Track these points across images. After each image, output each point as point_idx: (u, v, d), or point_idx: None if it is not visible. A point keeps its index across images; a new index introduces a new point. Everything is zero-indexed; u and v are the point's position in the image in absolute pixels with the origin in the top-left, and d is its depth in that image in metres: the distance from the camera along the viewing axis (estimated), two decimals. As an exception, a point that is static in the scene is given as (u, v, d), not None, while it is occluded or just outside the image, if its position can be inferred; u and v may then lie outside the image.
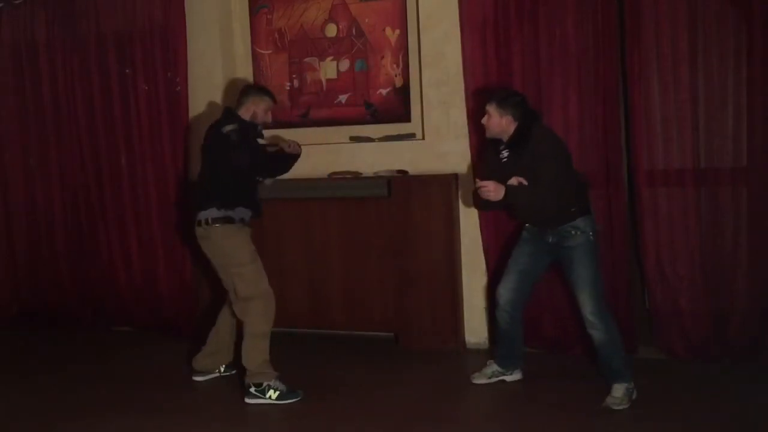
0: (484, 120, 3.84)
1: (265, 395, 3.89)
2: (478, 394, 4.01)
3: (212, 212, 3.95)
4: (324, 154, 4.98)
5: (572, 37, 4.27)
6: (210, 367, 4.32)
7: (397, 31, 4.91)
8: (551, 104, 4.33)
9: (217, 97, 5.17)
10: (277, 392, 3.89)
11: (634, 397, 3.67)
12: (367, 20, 4.98)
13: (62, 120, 5.53)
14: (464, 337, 4.70)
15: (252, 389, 3.91)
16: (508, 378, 4.07)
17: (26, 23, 5.57)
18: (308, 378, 4.21)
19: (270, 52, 5.25)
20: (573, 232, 3.70)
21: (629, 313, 4.32)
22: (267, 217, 4.95)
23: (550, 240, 3.78)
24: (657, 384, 3.95)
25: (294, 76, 5.20)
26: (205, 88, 5.18)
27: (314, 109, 5.15)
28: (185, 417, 3.81)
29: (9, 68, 5.66)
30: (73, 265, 5.62)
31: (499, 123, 3.76)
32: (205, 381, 4.30)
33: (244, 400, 3.92)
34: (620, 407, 3.61)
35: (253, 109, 4.10)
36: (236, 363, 4.24)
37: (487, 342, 4.67)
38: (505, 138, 3.79)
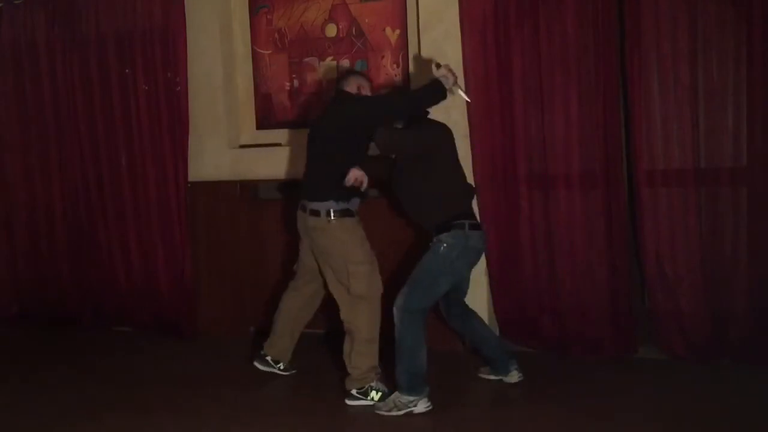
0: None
1: (367, 397, 3.80)
2: (478, 395, 4.01)
3: (331, 204, 3.83)
4: (324, 154, 4.96)
5: (572, 37, 4.27)
6: (277, 356, 4.24)
7: (397, 31, 4.91)
8: (551, 104, 4.33)
9: (217, 97, 5.17)
10: (380, 393, 3.80)
11: (416, 411, 3.63)
12: (367, 20, 4.98)
13: (62, 120, 5.53)
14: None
15: (354, 391, 3.81)
16: (507, 380, 4.04)
17: (26, 23, 5.57)
18: (308, 378, 4.21)
19: (270, 52, 5.25)
20: (434, 239, 3.77)
21: (629, 313, 4.32)
22: (267, 217, 4.97)
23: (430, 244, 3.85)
24: (657, 384, 3.95)
25: (294, 76, 5.20)
26: (205, 88, 5.18)
27: (314, 109, 5.14)
28: (185, 417, 3.80)
29: (9, 68, 5.66)
30: (73, 265, 5.62)
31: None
32: (265, 371, 4.25)
33: (345, 401, 3.84)
34: (381, 412, 3.65)
35: (357, 87, 4.00)
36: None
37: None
38: None
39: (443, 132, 3.92)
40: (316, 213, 3.86)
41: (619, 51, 4.22)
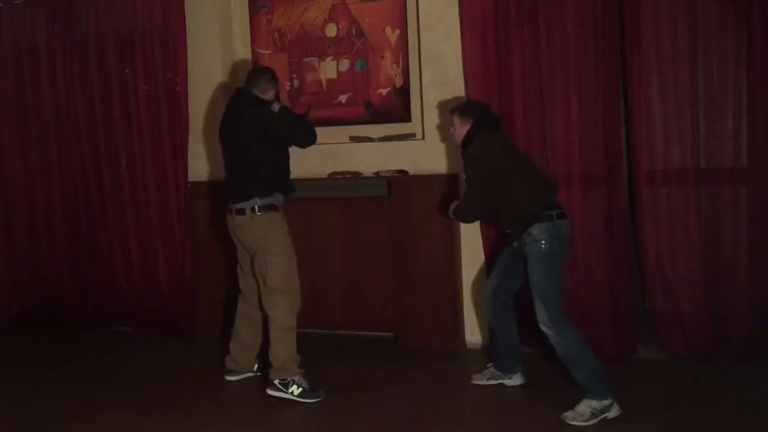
0: (451, 130, 3.98)
1: (287, 390, 3.88)
2: (478, 395, 4.01)
3: (256, 201, 3.95)
4: (324, 154, 4.98)
5: (572, 37, 4.27)
6: (240, 368, 4.28)
7: (397, 31, 4.91)
8: (551, 104, 4.33)
9: (218, 97, 5.17)
10: (300, 389, 3.88)
11: (609, 416, 3.48)
12: (367, 20, 4.98)
13: (62, 120, 5.54)
14: (464, 337, 4.70)
15: (276, 382, 3.91)
16: (508, 383, 4.02)
17: (26, 23, 5.58)
18: (308, 378, 4.21)
19: (270, 52, 5.25)
20: (526, 240, 3.65)
21: (629, 313, 4.32)
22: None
23: (514, 245, 3.78)
24: (657, 384, 3.95)
25: (294, 76, 5.20)
26: (205, 88, 5.18)
27: (314, 109, 5.14)
28: (185, 417, 3.81)
29: (9, 68, 5.66)
30: (73, 265, 5.62)
31: (461, 132, 3.89)
32: (237, 380, 4.28)
33: (266, 390, 3.92)
34: (575, 423, 3.46)
35: (274, 93, 4.10)
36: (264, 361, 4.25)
37: (487, 342, 4.66)
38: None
39: (490, 152, 3.77)
40: (241, 211, 3.98)
41: (619, 51, 4.22)
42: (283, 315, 3.96)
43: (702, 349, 4.18)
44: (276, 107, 4.01)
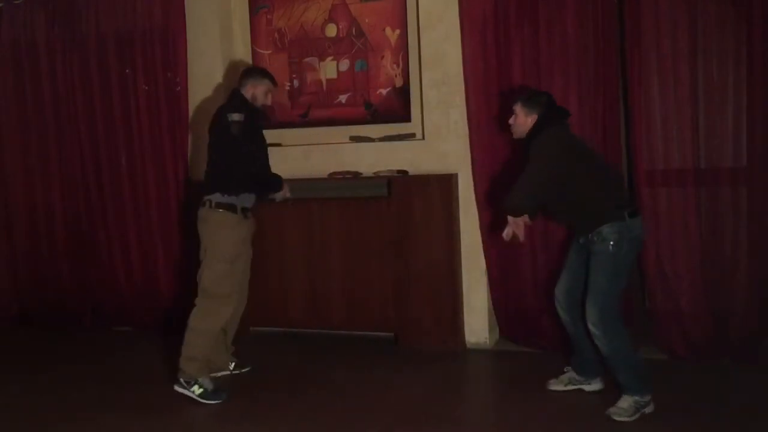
0: (511, 120, 3.76)
1: (189, 388, 3.93)
2: (478, 395, 4.01)
3: (216, 197, 3.96)
4: (324, 154, 4.98)
5: (572, 37, 4.27)
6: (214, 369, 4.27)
7: (397, 31, 4.91)
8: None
9: (217, 97, 5.16)
10: (201, 389, 3.92)
11: (647, 411, 3.50)
12: (367, 20, 4.98)
13: (62, 120, 5.54)
14: (464, 337, 4.69)
15: (181, 379, 3.96)
16: (587, 388, 3.87)
17: (26, 23, 5.58)
18: (308, 378, 4.21)
19: (270, 52, 5.25)
20: (595, 239, 3.55)
21: (629, 313, 4.31)
22: (267, 217, 4.96)
23: (581, 241, 3.69)
24: (657, 384, 3.94)
25: (294, 76, 5.20)
26: (205, 88, 5.18)
27: (314, 109, 5.15)
28: (184, 417, 3.81)
29: (9, 68, 5.67)
30: (73, 265, 5.63)
31: (525, 122, 3.68)
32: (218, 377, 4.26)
33: (174, 386, 3.98)
34: (621, 418, 3.46)
35: (252, 91, 4.05)
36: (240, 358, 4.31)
37: (487, 342, 4.67)
38: (522, 135, 3.73)
39: (562, 149, 3.58)
40: (203, 203, 4.01)
41: (619, 51, 4.22)
42: (196, 317, 3.98)
43: (702, 349, 4.18)
44: (234, 117, 3.89)
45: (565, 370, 3.97)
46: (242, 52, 5.30)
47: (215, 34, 5.15)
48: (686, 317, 4.21)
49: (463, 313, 4.70)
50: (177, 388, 3.98)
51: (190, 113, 5.14)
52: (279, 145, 5.12)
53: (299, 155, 5.00)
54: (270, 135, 5.19)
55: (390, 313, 4.77)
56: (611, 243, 3.49)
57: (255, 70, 4.24)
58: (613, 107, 4.24)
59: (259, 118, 4.15)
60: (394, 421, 3.62)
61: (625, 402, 3.51)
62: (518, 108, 3.70)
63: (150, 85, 5.24)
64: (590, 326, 3.58)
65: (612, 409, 3.52)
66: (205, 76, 5.17)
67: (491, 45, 4.44)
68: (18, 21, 5.60)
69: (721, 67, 4.04)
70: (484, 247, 4.59)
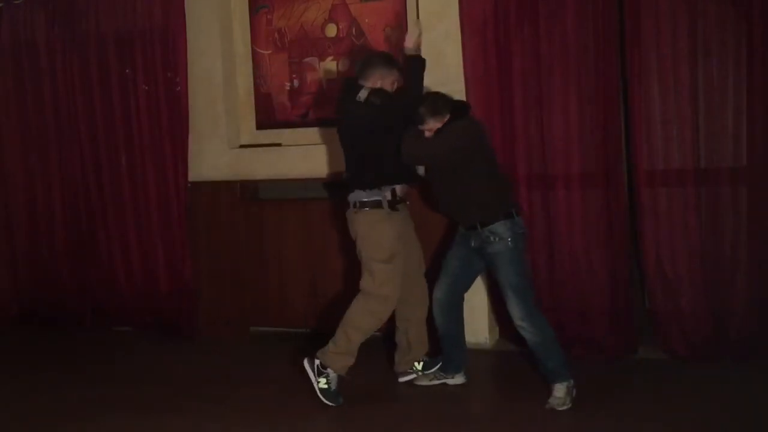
0: (427, 134, 3.75)
1: (318, 377, 3.80)
2: (478, 395, 4.01)
3: (358, 194, 3.79)
4: (324, 154, 4.97)
5: (572, 37, 4.26)
6: (406, 367, 4.14)
7: (397, 31, 4.91)
8: (551, 104, 4.33)
9: (218, 97, 5.17)
10: (326, 385, 3.79)
11: (574, 395, 3.65)
12: (367, 20, 4.98)
13: (62, 120, 5.54)
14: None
15: (317, 362, 3.80)
16: (450, 382, 4.05)
17: (26, 23, 5.58)
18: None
19: (270, 52, 5.25)
20: (492, 238, 3.66)
21: (629, 313, 4.32)
22: (267, 218, 4.98)
23: (473, 244, 3.77)
24: (657, 384, 3.95)
25: (294, 76, 5.20)
26: (205, 88, 5.18)
27: (314, 109, 5.15)
28: (185, 417, 3.81)
29: (9, 68, 5.67)
30: (73, 265, 5.63)
31: (442, 126, 3.74)
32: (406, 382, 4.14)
33: (304, 360, 3.86)
34: (564, 407, 3.61)
35: (380, 83, 3.77)
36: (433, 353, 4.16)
37: (487, 341, 4.67)
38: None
39: (471, 131, 3.75)
40: (352, 204, 3.85)
41: (619, 51, 4.22)
42: (361, 315, 3.84)
43: (702, 349, 4.18)
44: (363, 95, 3.65)
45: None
46: (242, 52, 5.30)
47: (215, 34, 5.15)
48: (686, 317, 4.20)
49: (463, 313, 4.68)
50: (307, 365, 3.81)
51: (190, 113, 5.14)
52: (279, 145, 5.13)
53: (299, 155, 4.99)
54: (270, 135, 5.24)
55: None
56: (509, 239, 3.65)
57: (380, 60, 3.88)
58: (613, 107, 4.23)
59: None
60: (394, 421, 3.63)
61: (560, 390, 3.65)
62: (430, 122, 3.71)
63: (150, 85, 5.23)
64: (517, 321, 3.69)
65: (552, 401, 3.64)
66: (205, 76, 5.17)
67: (491, 45, 4.44)
68: (18, 21, 5.59)
69: (721, 67, 4.04)
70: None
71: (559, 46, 4.29)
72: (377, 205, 3.79)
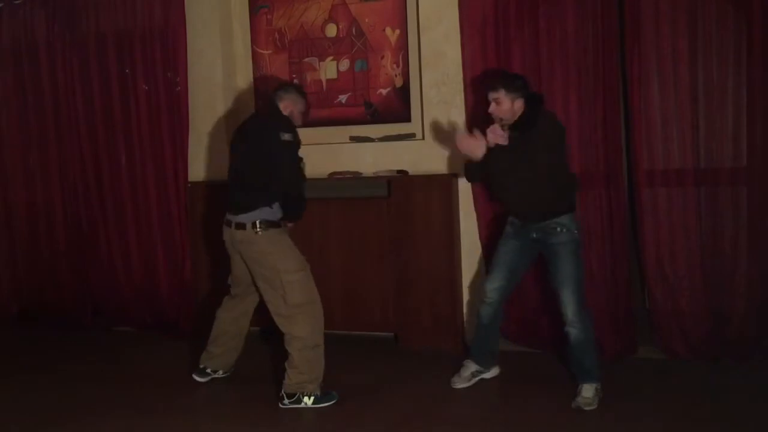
0: (491, 109, 3.73)
1: (300, 404, 3.79)
2: (478, 395, 4.00)
3: (256, 214, 3.78)
4: (324, 154, 4.98)
5: (572, 38, 4.27)
6: (216, 367, 4.25)
7: (397, 31, 4.91)
8: (551, 104, 4.30)
9: (217, 97, 5.17)
10: (312, 398, 3.79)
11: (601, 397, 3.67)
12: (367, 20, 4.98)
13: (62, 120, 5.54)
14: (464, 337, 4.69)
15: (286, 401, 3.79)
16: (488, 375, 4.07)
17: (26, 23, 5.58)
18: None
19: (270, 52, 5.25)
20: (558, 229, 3.67)
21: (629, 313, 4.32)
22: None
23: (534, 236, 3.76)
24: (657, 384, 3.95)
25: (294, 76, 5.20)
26: (205, 88, 5.18)
27: (314, 109, 5.15)
28: (185, 417, 3.81)
29: (9, 68, 5.67)
30: (73, 265, 5.62)
31: (511, 108, 3.69)
32: (204, 382, 4.26)
33: (279, 404, 3.82)
34: (590, 408, 3.61)
35: (291, 109, 3.92)
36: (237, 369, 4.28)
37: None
38: (511, 121, 3.72)
39: (562, 130, 3.74)
40: (241, 226, 3.81)
41: (619, 51, 4.22)
42: (310, 331, 3.83)
43: (702, 349, 4.18)
44: (286, 137, 3.76)
45: (464, 364, 4.06)
46: (242, 52, 5.30)
47: (215, 34, 5.15)
48: (686, 317, 4.21)
49: (463, 313, 4.70)
50: (286, 404, 3.78)
51: (190, 113, 5.14)
52: (279, 145, 5.12)
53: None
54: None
55: (390, 313, 4.77)
56: (575, 230, 3.68)
57: (293, 87, 4.08)
58: (613, 107, 4.23)
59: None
60: (394, 422, 3.62)
61: (589, 391, 3.66)
62: (502, 95, 3.67)
63: (150, 85, 5.23)
64: (570, 315, 3.69)
65: (579, 401, 3.64)
66: (205, 76, 5.17)
67: (491, 45, 4.44)
68: (18, 21, 5.59)
69: (721, 67, 4.05)
70: (483, 247, 4.59)
71: (559, 46, 4.30)
72: (278, 224, 3.86)
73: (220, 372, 4.29)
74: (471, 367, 4.06)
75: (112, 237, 5.48)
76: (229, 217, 3.91)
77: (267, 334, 4.78)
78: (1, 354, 5.11)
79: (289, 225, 4.02)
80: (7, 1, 5.59)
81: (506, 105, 3.69)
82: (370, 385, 4.14)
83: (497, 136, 3.65)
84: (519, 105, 3.69)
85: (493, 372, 4.11)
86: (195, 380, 4.23)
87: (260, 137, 3.81)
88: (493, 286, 3.94)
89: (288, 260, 3.83)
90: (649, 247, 4.23)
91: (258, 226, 3.79)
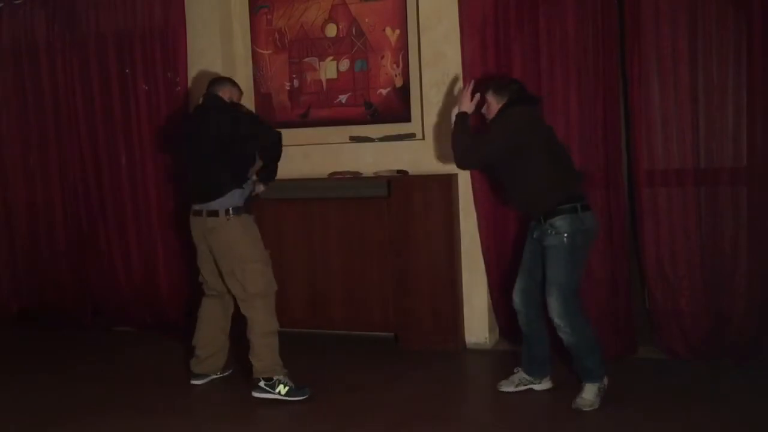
0: (483, 109, 3.81)
1: (274, 390, 3.87)
2: (478, 395, 4.01)
3: (227, 200, 3.91)
4: (324, 154, 4.98)
5: (572, 38, 4.27)
6: (208, 371, 4.28)
7: (397, 31, 4.91)
8: (551, 104, 4.32)
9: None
10: (287, 388, 3.87)
11: (603, 396, 3.63)
12: (367, 20, 4.98)
13: (62, 120, 5.54)
14: (464, 337, 4.70)
15: (262, 383, 3.89)
16: (537, 387, 3.90)
17: (26, 23, 5.58)
18: (308, 378, 4.20)
19: (270, 52, 5.25)
20: (549, 231, 3.61)
21: (629, 313, 4.32)
22: (267, 217, 4.95)
23: (534, 236, 3.75)
24: (657, 384, 3.95)
25: (294, 76, 5.20)
26: (204, 88, 5.15)
27: (314, 109, 5.15)
28: (185, 417, 3.81)
29: (9, 68, 5.67)
30: (73, 265, 5.63)
31: (497, 110, 3.76)
32: (204, 383, 4.26)
33: (252, 393, 3.90)
34: (590, 409, 3.57)
35: (230, 95, 4.12)
36: (233, 363, 4.28)
37: (487, 341, 4.67)
38: None
39: (521, 121, 3.67)
40: (211, 213, 3.93)
41: (619, 51, 4.22)
42: (268, 318, 3.98)
43: (702, 349, 4.18)
44: (234, 112, 4.04)
45: (515, 370, 3.98)
46: (242, 52, 5.29)
47: (215, 34, 5.15)
48: (686, 317, 4.20)
49: (463, 313, 4.70)
50: (257, 394, 3.89)
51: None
52: (279, 145, 5.12)
53: (299, 155, 5.00)
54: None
55: (390, 313, 4.77)
56: (565, 235, 3.59)
57: (227, 79, 4.27)
58: (613, 107, 4.23)
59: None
60: (393, 422, 3.62)
61: (590, 392, 3.62)
62: (490, 96, 3.78)
63: (150, 85, 5.24)
64: (555, 319, 3.64)
65: (579, 402, 3.61)
66: (205, 76, 5.15)
67: (491, 45, 4.44)
68: (18, 21, 5.59)
69: (721, 67, 4.04)
70: (483, 247, 4.59)
71: (559, 46, 4.30)
72: (247, 210, 4.01)
73: (218, 373, 4.29)
74: (519, 374, 3.95)
75: (112, 237, 5.49)
76: (198, 206, 4.00)
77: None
78: (1, 354, 5.11)
79: (269, 185, 4.15)
80: (7, 1, 5.59)
81: (492, 106, 3.78)
82: (370, 385, 4.14)
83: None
84: (502, 106, 3.75)
85: (544, 384, 3.90)
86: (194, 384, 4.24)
87: (214, 121, 3.95)
88: (516, 288, 3.87)
89: (255, 250, 3.98)
90: (649, 247, 4.23)
91: (230, 212, 3.91)
